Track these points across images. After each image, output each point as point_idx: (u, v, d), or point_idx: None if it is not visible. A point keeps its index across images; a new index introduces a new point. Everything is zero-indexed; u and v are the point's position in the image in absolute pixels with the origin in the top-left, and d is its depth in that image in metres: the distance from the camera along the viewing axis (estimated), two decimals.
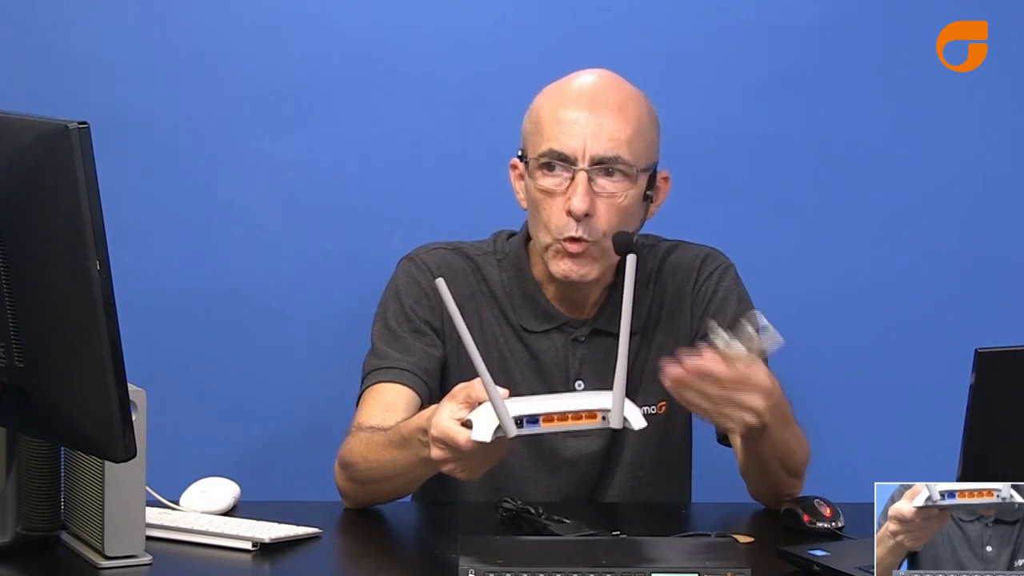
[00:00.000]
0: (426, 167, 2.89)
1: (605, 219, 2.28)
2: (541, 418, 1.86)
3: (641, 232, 2.45)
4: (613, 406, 1.86)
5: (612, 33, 2.87)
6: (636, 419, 1.88)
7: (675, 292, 2.41)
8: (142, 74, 2.86)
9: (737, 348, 1.97)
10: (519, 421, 1.85)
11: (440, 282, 1.89)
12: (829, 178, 2.93)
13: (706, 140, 2.91)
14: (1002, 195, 2.94)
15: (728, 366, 1.97)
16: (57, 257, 1.75)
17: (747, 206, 2.92)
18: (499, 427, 1.85)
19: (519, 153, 2.35)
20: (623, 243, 2.28)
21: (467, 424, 1.88)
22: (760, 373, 2.00)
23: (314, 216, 2.90)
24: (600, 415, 1.87)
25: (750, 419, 2.01)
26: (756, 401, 2.00)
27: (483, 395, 1.87)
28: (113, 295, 1.71)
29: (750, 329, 1.96)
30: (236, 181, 2.89)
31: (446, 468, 1.97)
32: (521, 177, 2.36)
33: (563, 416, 1.86)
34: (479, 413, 1.87)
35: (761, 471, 2.24)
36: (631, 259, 1.88)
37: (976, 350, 1.78)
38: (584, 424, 1.87)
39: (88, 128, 1.69)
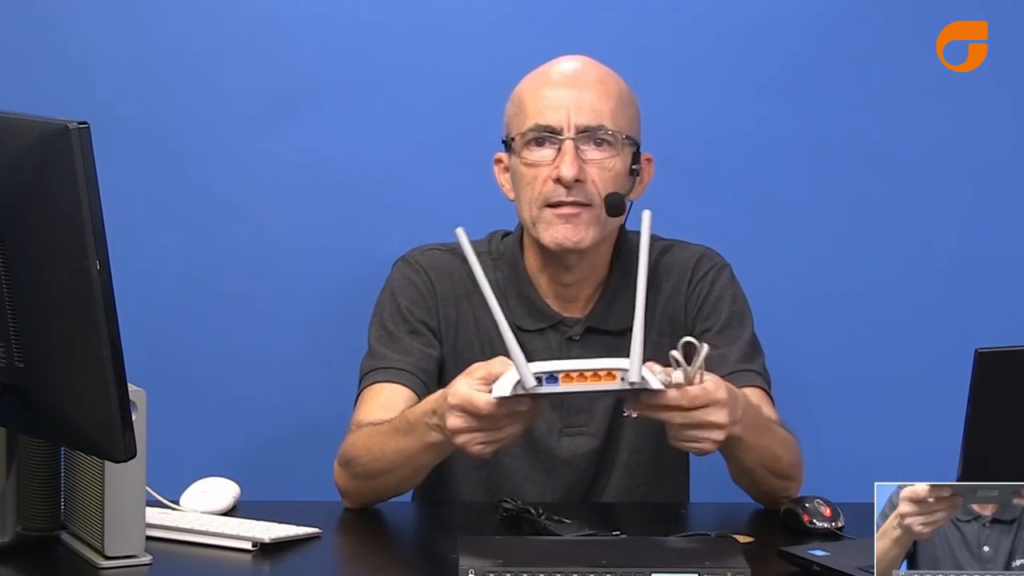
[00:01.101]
0: (426, 167, 2.89)
1: (597, 184, 2.30)
2: (560, 376, 1.87)
3: (637, 230, 2.45)
4: (631, 365, 1.86)
5: (612, 33, 2.87)
6: (653, 380, 1.88)
7: (670, 292, 2.41)
8: (142, 74, 2.86)
9: (679, 375, 1.92)
10: (539, 378, 1.87)
11: (460, 231, 1.92)
12: (829, 178, 2.93)
13: (706, 140, 2.91)
14: (1002, 195, 2.94)
15: (682, 392, 1.93)
16: (57, 257, 1.75)
17: (746, 206, 2.92)
18: (519, 383, 1.86)
19: (503, 141, 2.37)
20: (615, 203, 2.30)
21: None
22: (714, 386, 1.95)
23: (314, 216, 2.90)
24: (619, 375, 1.87)
25: (718, 436, 1.97)
26: (718, 416, 1.95)
27: (501, 370, 1.90)
28: (113, 295, 1.71)
29: (676, 354, 1.92)
30: (236, 181, 2.89)
31: (461, 439, 1.97)
32: (506, 169, 2.37)
33: (582, 375, 1.87)
34: (500, 377, 1.90)
35: (749, 478, 2.25)
36: (646, 214, 1.90)
37: (976, 350, 1.78)
38: (603, 384, 1.88)
39: (88, 128, 1.69)
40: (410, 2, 2.89)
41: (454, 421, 1.96)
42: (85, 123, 1.69)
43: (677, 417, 1.95)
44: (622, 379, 1.87)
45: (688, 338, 1.92)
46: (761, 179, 2.93)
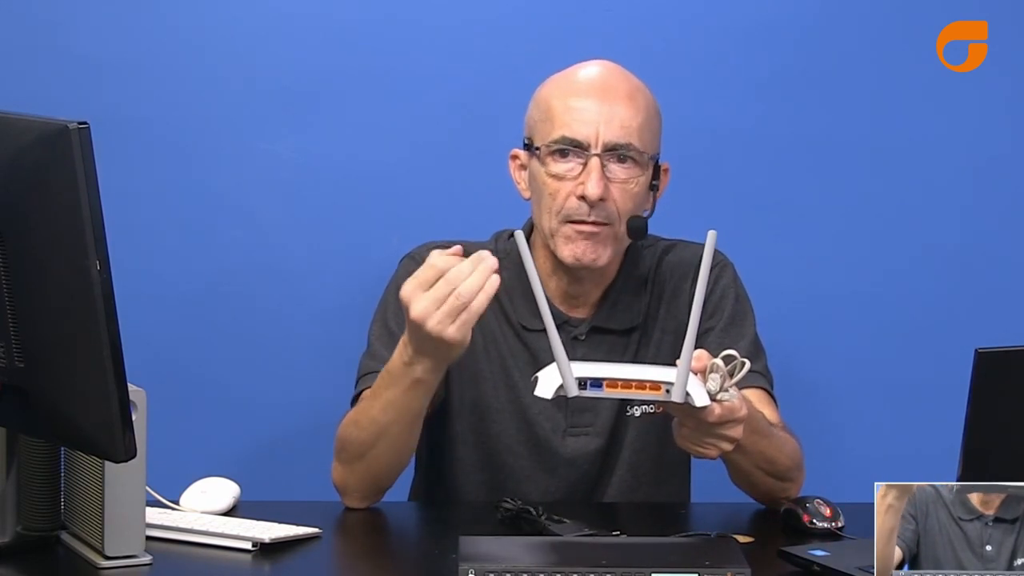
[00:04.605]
0: (426, 167, 2.89)
1: (619, 204, 2.29)
2: (605, 383, 1.87)
3: None
4: (676, 380, 1.85)
5: (612, 33, 2.87)
6: (699, 396, 1.88)
7: (673, 290, 2.42)
8: (142, 74, 2.86)
9: (714, 384, 1.93)
10: (583, 383, 1.86)
11: (519, 234, 1.94)
12: (829, 178, 2.93)
13: (706, 139, 2.91)
14: (1002, 195, 2.94)
15: (710, 409, 1.93)
16: (57, 257, 1.75)
17: (747, 205, 2.92)
18: (561, 386, 1.86)
19: (524, 142, 2.36)
20: (638, 227, 2.30)
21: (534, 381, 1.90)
22: (739, 404, 1.97)
23: (314, 216, 2.90)
24: (664, 388, 1.86)
25: (726, 447, 2.01)
26: (735, 431, 1.99)
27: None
28: (113, 295, 1.71)
29: (719, 362, 1.92)
30: (236, 181, 2.89)
31: (432, 321, 2.00)
32: (523, 167, 2.37)
33: (627, 384, 1.86)
34: (545, 372, 1.89)
35: (747, 480, 2.26)
36: (711, 234, 1.88)
37: (976, 350, 1.78)
38: (647, 394, 1.87)
39: (88, 128, 1.69)
40: (410, 2, 2.89)
41: (416, 305, 2.00)
42: (85, 123, 1.69)
43: (700, 430, 1.97)
44: (667, 391, 1.87)
45: (731, 351, 1.93)
46: (761, 179, 2.93)
